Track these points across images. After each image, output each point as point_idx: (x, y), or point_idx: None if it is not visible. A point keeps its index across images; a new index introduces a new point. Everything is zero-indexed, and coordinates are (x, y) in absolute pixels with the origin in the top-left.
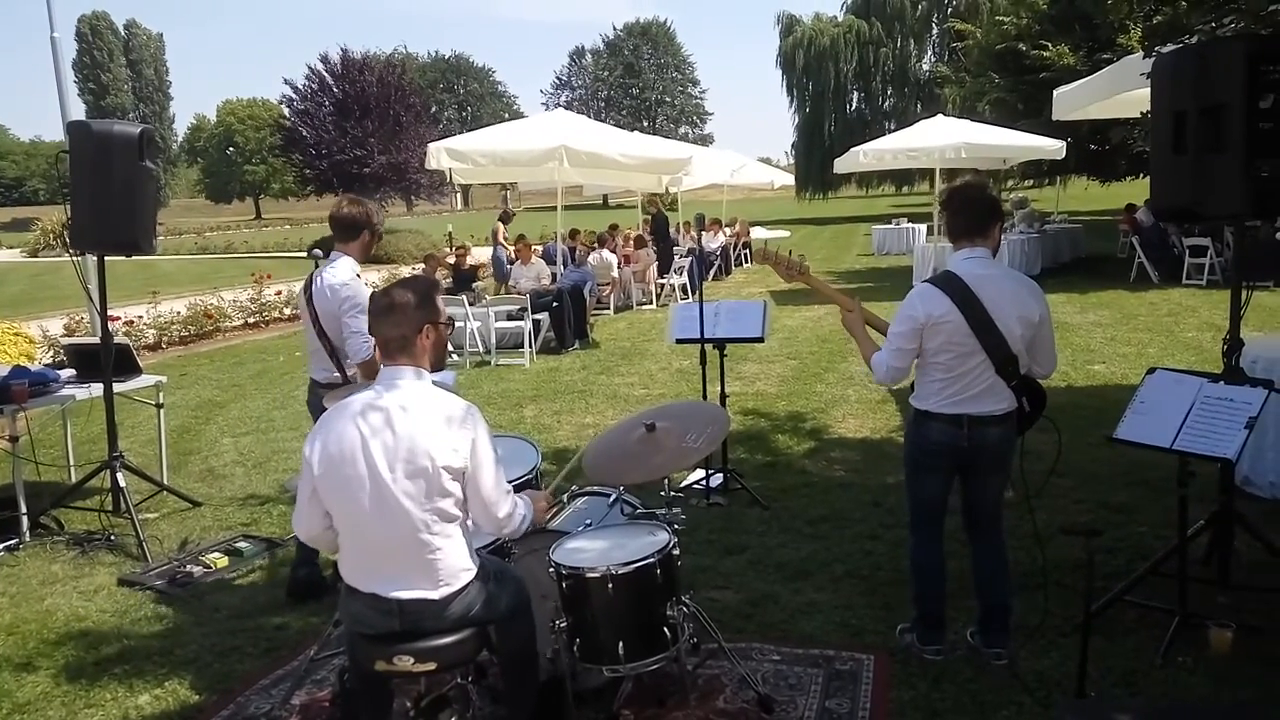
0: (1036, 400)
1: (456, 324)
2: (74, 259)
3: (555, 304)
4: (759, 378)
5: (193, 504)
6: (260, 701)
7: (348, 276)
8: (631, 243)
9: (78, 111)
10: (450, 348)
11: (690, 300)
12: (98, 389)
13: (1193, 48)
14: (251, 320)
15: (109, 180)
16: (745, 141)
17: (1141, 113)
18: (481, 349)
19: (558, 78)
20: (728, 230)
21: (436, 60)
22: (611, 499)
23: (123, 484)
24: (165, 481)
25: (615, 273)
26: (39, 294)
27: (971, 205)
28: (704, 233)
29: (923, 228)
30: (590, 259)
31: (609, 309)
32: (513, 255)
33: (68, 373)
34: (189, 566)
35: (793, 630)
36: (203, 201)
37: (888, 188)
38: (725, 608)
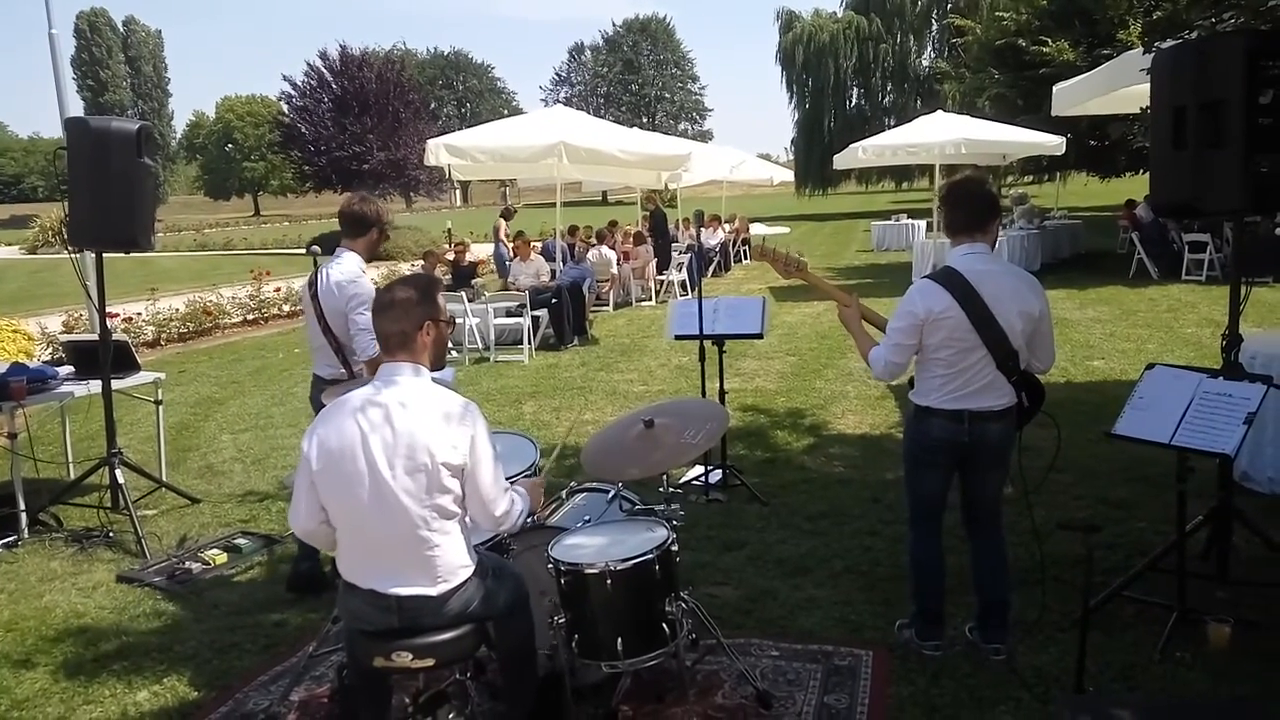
0: (1035, 396)
1: (456, 320)
2: (72, 256)
3: (554, 300)
4: (758, 374)
5: (191, 501)
6: (259, 698)
7: (354, 273)
8: (630, 239)
9: (76, 108)
10: (449, 344)
11: (689, 297)
12: (96, 386)
13: (1192, 43)
14: (250, 317)
15: (107, 177)
16: (745, 138)
17: (1141, 108)
18: (480, 345)
19: (557, 74)
20: (727, 226)
21: (435, 57)
22: (610, 495)
23: (121, 481)
24: (164, 478)
25: (614, 269)
26: (37, 291)
27: (971, 200)
28: (703, 229)
29: (922, 224)
30: (589, 255)
31: (608, 305)
32: (512, 252)
33: (66, 370)
34: (188, 563)
35: (791, 626)
36: (201, 198)
37: (887, 184)
38: (724, 603)
